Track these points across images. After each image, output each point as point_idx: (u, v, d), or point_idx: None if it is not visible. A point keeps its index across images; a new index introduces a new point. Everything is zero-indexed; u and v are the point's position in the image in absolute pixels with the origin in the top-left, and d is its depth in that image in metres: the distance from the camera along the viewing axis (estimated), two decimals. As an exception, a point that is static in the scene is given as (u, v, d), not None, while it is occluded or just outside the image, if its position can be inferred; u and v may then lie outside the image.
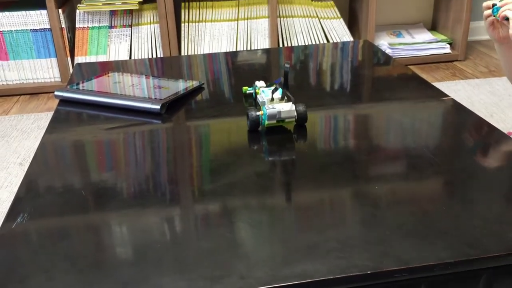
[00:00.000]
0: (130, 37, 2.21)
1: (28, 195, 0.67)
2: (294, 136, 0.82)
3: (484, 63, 2.38)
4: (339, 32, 2.33)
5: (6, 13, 2.09)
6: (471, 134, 0.82)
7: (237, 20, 2.26)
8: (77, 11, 2.14)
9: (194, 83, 1.01)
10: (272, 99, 0.83)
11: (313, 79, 1.07)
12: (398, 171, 0.70)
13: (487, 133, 0.81)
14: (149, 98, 0.93)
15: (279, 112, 0.80)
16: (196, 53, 2.25)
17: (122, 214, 0.62)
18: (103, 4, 2.11)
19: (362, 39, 1.40)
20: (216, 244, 0.56)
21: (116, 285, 0.51)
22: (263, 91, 0.87)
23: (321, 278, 0.50)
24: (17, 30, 2.12)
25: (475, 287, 0.55)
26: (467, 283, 0.54)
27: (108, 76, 1.06)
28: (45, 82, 2.21)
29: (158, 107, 0.89)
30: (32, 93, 2.20)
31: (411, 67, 2.31)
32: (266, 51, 1.32)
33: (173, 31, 2.18)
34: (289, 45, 2.29)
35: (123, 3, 2.12)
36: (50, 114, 1.95)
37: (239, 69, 1.15)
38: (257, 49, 2.11)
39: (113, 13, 2.18)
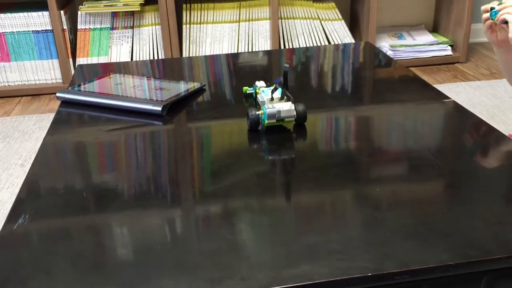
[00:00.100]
0: (131, 39, 2.22)
1: (29, 197, 0.67)
2: (294, 135, 0.82)
3: (486, 65, 2.38)
4: (341, 33, 2.33)
5: (8, 14, 2.10)
6: (472, 136, 0.82)
7: (239, 22, 2.26)
8: (79, 12, 2.14)
9: (195, 85, 1.01)
10: (272, 99, 0.84)
11: (314, 81, 1.07)
12: (399, 173, 0.70)
13: (488, 135, 0.81)
14: (150, 99, 0.93)
15: (279, 112, 0.81)
16: (197, 55, 2.25)
17: (123, 216, 0.62)
18: (105, 6, 2.12)
19: (363, 41, 1.40)
20: (217, 246, 0.56)
21: (117, 287, 0.51)
22: (263, 91, 0.88)
23: (322, 280, 0.50)
24: (19, 31, 2.12)
25: (476, 289, 0.55)
26: (468, 285, 0.54)
27: (110, 77, 1.06)
28: (47, 83, 2.21)
29: (160, 108, 0.90)
30: (33, 94, 2.20)
31: (412, 69, 2.31)
32: (267, 53, 1.32)
33: (175, 33, 2.18)
34: (290, 47, 2.29)
35: (124, 5, 2.12)
36: (51, 115, 1.95)
37: (240, 71, 1.15)
38: (258, 51, 2.11)
39: (114, 14, 2.19)
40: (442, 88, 2.06)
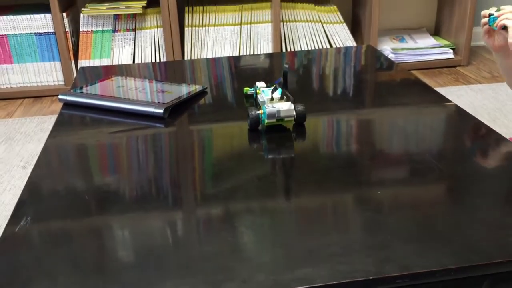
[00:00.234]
0: (133, 41, 2.22)
1: (31, 199, 0.68)
2: (293, 135, 0.83)
3: (487, 68, 2.38)
4: (342, 37, 2.33)
5: (11, 16, 2.10)
6: (473, 139, 0.82)
7: (240, 25, 2.26)
8: (81, 15, 2.15)
9: (197, 88, 1.01)
10: (272, 99, 0.85)
11: (316, 84, 1.07)
12: (401, 176, 0.70)
13: (489, 138, 0.81)
14: (152, 102, 0.93)
15: (278, 111, 0.82)
16: (199, 58, 2.26)
17: (125, 218, 0.63)
18: (107, 8, 2.12)
19: (365, 44, 1.40)
20: (218, 248, 0.56)
21: (118, 289, 0.51)
22: (263, 91, 0.89)
23: (323, 283, 0.50)
24: (21, 33, 2.13)
25: (477, 293, 0.55)
26: (469, 289, 0.54)
27: (112, 80, 1.06)
28: (49, 85, 2.21)
29: (161, 111, 0.90)
30: (35, 96, 2.21)
31: (414, 72, 2.32)
32: (269, 55, 1.33)
33: (177, 35, 2.18)
34: (292, 49, 2.29)
35: (127, 7, 2.12)
36: (53, 117, 1.96)
37: (242, 74, 1.15)
38: (260, 54, 2.12)
39: (117, 17, 2.19)
40: (444, 91, 2.06)
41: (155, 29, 2.21)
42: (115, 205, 0.65)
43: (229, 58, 1.27)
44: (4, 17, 2.10)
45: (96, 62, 2.21)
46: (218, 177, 0.71)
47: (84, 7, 2.13)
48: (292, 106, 0.83)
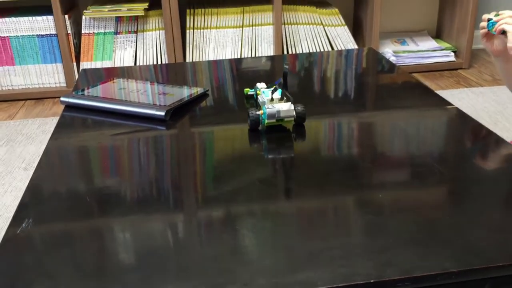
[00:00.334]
0: (135, 43, 2.22)
1: (33, 201, 0.68)
2: (293, 135, 0.84)
3: (489, 71, 2.38)
4: (344, 39, 2.33)
5: (13, 18, 2.11)
6: (474, 142, 0.82)
7: (242, 27, 2.27)
8: (83, 17, 2.15)
9: (198, 90, 1.01)
10: (272, 99, 0.85)
11: (317, 86, 1.07)
12: (402, 179, 0.70)
13: (490, 142, 0.81)
14: (153, 104, 0.93)
15: (278, 112, 0.83)
16: (200, 60, 2.26)
17: (126, 220, 0.63)
18: (109, 10, 2.13)
19: (367, 47, 1.40)
20: (220, 251, 0.56)
21: (119, 291, 0.51)
22: (264, 92, 0.89)
23: (324, 287, 0.50)
24: (23, 35, 2.13)
25: (478, 296, 0.54)
26: (470, 292, 0.54)
27: (113, 82, 1.07)
28: (51, 87, 2.22)
29: (163, 113, 0.90)
30: (37, 98, 2.21)
31: (415, 75, 2.32)
32: (270, 58, 1.33)
33: (178, 38, 2.19)
34: (294, 52, 2.29)
35: (128, 10, 2.13)
36: (55, 119, 1.96)
37: (244, 76, 1.15)
38: (262, 56, 2.12)
39: (118, 19, 2.19)
40: (445, 94, 2.06)
41: (157, 31, 2.22)
42: (117, 207, 0.65)
43: (230, 60, 1.27)
44: (7, 19, 2.10)
45: (97, 64, 2.21)
46: (219, 179, 0.71)
47: (86, 9, 2.14)
48: (292, 107, 0.84)
